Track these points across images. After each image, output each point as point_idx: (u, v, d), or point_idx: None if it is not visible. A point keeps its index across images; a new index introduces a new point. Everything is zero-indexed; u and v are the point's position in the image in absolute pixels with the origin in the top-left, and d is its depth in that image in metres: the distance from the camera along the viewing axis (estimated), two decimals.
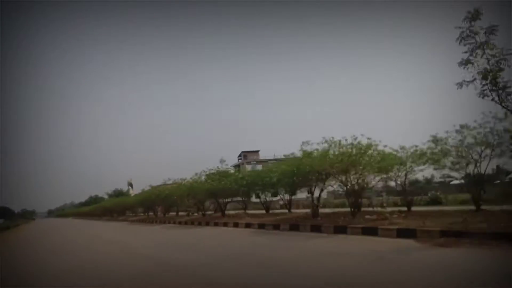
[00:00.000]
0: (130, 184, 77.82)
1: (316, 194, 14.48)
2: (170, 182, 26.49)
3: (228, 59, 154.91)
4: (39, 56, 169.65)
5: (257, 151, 59.92)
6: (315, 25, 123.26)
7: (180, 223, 21.26)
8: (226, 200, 21.98)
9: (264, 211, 19.89)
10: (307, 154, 13.35)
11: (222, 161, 21.25)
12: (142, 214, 39.19)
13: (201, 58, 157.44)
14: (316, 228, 10.76)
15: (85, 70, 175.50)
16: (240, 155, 64.65)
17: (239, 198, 23.61)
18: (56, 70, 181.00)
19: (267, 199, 20.48)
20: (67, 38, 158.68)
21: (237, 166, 59.68)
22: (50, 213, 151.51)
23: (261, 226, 13.53)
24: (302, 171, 13.21)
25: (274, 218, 14.90)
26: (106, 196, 78.78)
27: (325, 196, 27.01)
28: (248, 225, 14.43)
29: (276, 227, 12.67)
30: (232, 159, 61.14)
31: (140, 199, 34.39)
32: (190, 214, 26.45)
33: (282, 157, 20.24)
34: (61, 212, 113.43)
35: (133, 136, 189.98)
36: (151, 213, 34.29)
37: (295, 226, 11.89)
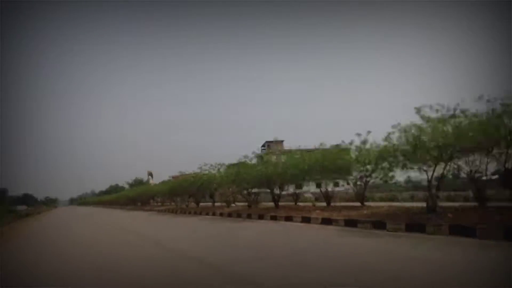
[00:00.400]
0: (150, 174, 76.36)
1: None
2: (207, 167, 23.07)
3: (238, 58, 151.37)
4: (38, 53, 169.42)
5: (281, 141, 56.13)
6: (325, 19, 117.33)
7: (221, 214, 18.01)
8: (253, 190, 19.84)
9: (319, 204, 17.10)
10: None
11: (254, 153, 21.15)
12: (168, 204, 36.68)
13: (214, 55, 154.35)
14: (461, 229, 7.10)
15: (107, 64, 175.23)
16: (264, 145, 61.74)
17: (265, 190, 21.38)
18: (52, 66, 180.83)
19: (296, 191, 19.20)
20: (73, 34, 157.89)
21: (260, 157, 56.59)
22: (72, 201, 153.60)
23: (350, 223, 10.13)
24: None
25: (357, 212, 11.46)
26: (126, 185, 77.51)
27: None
28: (326, 221, 11.04)
29: (378, 225, 9.12)
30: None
31: (169, 187, 31.26)
32: (230, 204, 23.26)
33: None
34: (83, 200, 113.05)
35: (152, 130, 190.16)
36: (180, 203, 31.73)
37: (417, 226, 8.14)
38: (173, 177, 75.45)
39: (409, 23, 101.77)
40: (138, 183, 67.26)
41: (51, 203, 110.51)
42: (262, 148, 63.09)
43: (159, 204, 38.35)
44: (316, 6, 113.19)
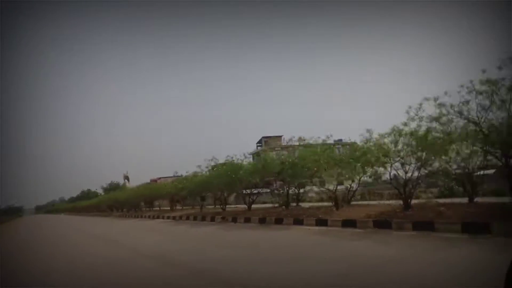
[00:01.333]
0: (127, 178, 72.06)
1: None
2: (208, 166, 20.49)
3: (226, 57, 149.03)
4: (38, 53, 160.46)
5: (280, 136, 53.81)
6: (321, 16, 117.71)
7: (246, 220, 14.38)
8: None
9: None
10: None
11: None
12: (155, 209, 33.62)
13: (200, 55, 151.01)
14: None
15: (81, 67, 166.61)
16: (260, 142, 58.54)
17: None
18: (51, 65, 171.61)
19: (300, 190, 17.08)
20: (72, 34, 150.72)
21: (257, 154, 53.70)
22: (39, 209, 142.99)
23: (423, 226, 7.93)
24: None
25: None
26: (100, 190, 72.59)
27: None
28: (381, 224, 8.97)
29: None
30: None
31: (169, 190, 27.42)
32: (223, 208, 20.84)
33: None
34: (51, 208, 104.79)
35: (124, 131, 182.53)
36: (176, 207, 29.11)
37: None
38: (152, 181, 71.51)
39: (408, 23, 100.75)
40: (114, 187, 62.86)
41: (14, 212, 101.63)
42: (258, 144, 59.35)
43: (148, 209, 34.78)
44: (315, 4, 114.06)
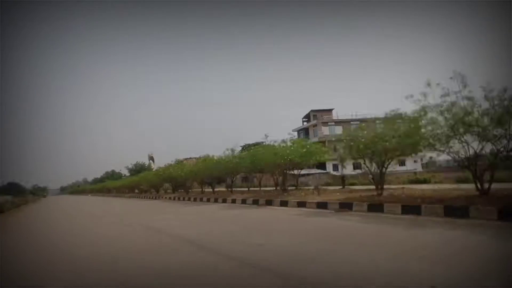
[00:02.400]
0: (151, 158, 70.08)
1: None
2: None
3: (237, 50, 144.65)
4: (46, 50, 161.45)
5: (331, 110, 48.08)
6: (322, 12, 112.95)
7: (319, 205, 11.17)
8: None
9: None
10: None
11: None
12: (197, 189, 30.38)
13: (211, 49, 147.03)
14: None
15: (107, 48, 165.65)
16: (306, 116, 52.22)
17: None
18: (78, 48, 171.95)
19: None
20: (79, 30, 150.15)
21: (303, 130, 48.87)
22: (63, 190, 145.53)
23: None
24: None
25: None
26: (125, 171, 70.77)
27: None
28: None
29: None
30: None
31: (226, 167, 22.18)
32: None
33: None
34: (76, 189, 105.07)
35: (146, 113, 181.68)
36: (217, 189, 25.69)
37: None
38: (178, 162, 68.85)
39: (407, 23, 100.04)
40: (139, 168, 60.58)
41: (40, 192, 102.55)
42: (304, 120, 53.47)
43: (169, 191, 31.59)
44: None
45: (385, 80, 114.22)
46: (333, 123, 43.03)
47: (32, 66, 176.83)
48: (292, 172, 18.26)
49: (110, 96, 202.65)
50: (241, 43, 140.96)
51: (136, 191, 43.47)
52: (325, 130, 41.14)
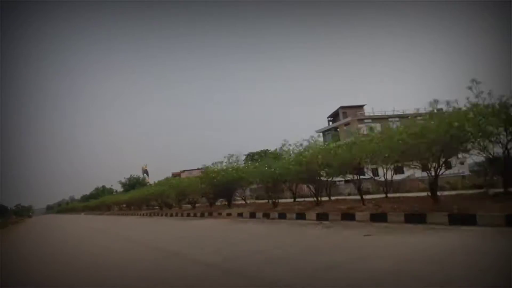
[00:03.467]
0: (146, 171, 67.17)
1: None
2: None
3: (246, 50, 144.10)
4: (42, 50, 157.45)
5: (362, 106, 42.38)
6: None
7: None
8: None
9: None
10: None
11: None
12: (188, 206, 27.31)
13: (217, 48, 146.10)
14: None
15: (92, 62, 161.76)
16: (334, 115, 45.80)
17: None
18: (56, 63, 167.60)
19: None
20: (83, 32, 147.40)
21: (330, 131, 43.33)
22: (49, 209, 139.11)
23: None
24: None
25: None
26: (117, 187, 67.44)
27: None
28: None
29: None
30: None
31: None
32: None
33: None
34: (65, 207, 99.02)
35: (140, 127, 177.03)
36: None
37: None
38: (174, 174, 66.24)
39: (407, 23, 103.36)
40: (134, 182, 57.66)
41: (24, 212, 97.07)
42: (330, 119, 48.08)
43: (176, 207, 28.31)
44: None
45: (384, 81, 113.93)
46: (370, 120, 37.86)
47: (17, 76, 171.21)
48: (324, 178, 16.11)
49: (96, 110, 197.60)
50: (247, 45, 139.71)
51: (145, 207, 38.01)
52: (362, 129, 35.43)
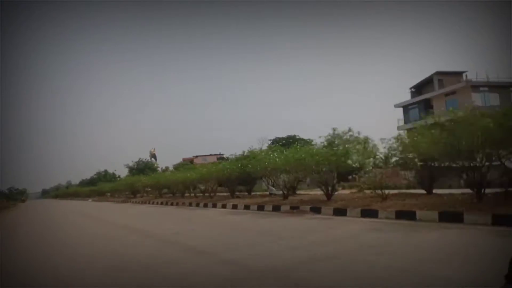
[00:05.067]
0: (154, 156, 60.69)
1: None
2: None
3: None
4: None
5: (461, 73, 31.41)
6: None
7: None
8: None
9: None
10: None
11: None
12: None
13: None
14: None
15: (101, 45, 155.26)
16: (421, 85, 33.83)
17: None
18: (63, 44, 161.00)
19: None
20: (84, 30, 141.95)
21: (419, 104, 32.73)
22: (45, 193, 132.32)
23: None
24: None
25: None
26: (122, 171, 61.03)
27: None
28: None
29: None
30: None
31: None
32: None
33: None
34: (64, 191, 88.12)
35: (143, 106, 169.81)
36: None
37: None
38: (185, 159, 59.76)
39: (407, 22, 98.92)
40: (142, 166, 51.17)
41: (17, 196, 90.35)
42: (412, 89, 35.29)
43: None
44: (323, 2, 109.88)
45: (384, 81, 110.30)
46: (487, 88, 28.99)
47: (19, 64, 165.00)
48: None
49: (97, 94, 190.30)
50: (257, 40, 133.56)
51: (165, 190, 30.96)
52: (476, 99, 26.86)
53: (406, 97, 35.46)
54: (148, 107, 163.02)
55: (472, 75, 30.29)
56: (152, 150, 61.01)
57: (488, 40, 79.06)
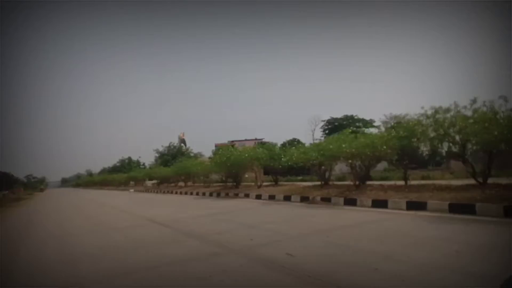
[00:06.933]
0: (183, 141, 55.53)
1: None
2: None
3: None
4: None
5: None
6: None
7: None
8: None
9: None
10: None
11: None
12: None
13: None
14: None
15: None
16: None
17: None
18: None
19: None
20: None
21: None
22: (64, 182, 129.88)
23: None
24: None
25: None
26: (147, 157, 55.62)
27: None
28: None
29: None
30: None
31: None
32: None
33: None
34: (89, 179, 78.37)
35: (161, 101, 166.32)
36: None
37: None
38: (217, 145, 54.24)
39: (406, 22, 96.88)
40: (174, 152, 45.80)
41: (36, 184, 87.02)
42: None
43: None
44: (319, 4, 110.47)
45: (384, 80, 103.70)
46: None
47: (31, 61, 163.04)
48: None
49: (118, 83, 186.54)
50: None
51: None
52: None
53: None
54: (177, 92, 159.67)
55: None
56: (181, 134, 55.90)
57: (488, 41, 78.71)
